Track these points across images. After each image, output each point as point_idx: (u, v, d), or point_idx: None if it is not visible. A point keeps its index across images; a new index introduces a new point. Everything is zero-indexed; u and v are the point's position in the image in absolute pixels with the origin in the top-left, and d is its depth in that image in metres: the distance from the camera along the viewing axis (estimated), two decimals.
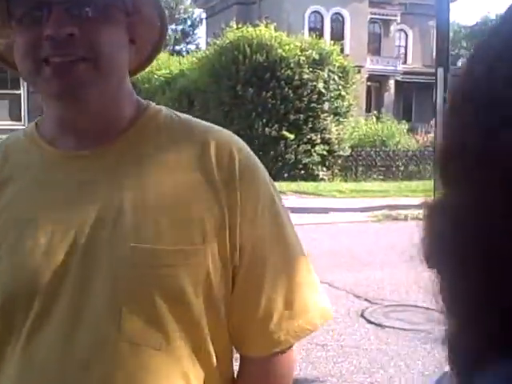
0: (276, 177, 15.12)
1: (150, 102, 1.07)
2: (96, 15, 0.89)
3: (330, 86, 15.68)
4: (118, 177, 0.94)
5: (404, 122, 20.31)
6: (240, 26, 16.48)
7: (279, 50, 15.20)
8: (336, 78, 15.83)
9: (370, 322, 4.90)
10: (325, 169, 15.96)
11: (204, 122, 1.05)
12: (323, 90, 15.45)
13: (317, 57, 15.55)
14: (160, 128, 1.00)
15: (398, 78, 36.95)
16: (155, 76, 21.67)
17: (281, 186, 14.26)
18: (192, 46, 47.81)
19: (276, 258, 0.97)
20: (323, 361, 4.16)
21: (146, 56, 1.09)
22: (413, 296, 5.46)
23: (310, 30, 32.35)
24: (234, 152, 0.98)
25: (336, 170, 16.26)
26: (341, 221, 10.75)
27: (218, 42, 16.59)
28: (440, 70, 12.10)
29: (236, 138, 1.05)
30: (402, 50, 40.02)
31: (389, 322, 4.90)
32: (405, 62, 38.87)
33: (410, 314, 5.08)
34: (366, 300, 5.53)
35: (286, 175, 15.35)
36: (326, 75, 15.55)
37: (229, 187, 0.94)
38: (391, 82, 36.82)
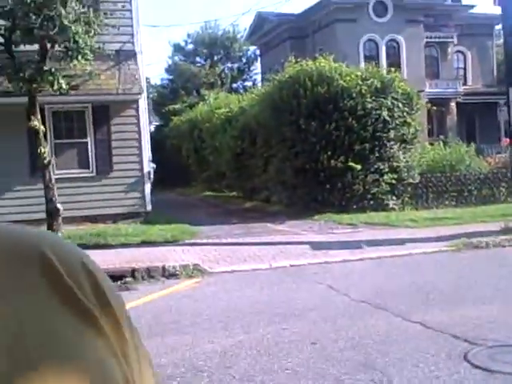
0: (345, 208, 14.82)
1: None
2: None
3: (395, 114, 15.35)
4: None
5: (469, 143, 19.69)
6: (298, 59, 16.43)
7: (340, 81, 15.02)
8: (400, 104, 15.50)
9: (476, 366, 4.52)
10: (394, 198, 15.54)
11: (28, 229, 0.67)
12: (388, 118, 15.14)
13: (379, 85, 15.28)
14: None
15: (460, 100, 36.21)
16: (215, 115, 21.88)
17: (351, 218, 13.96)
18: (248, 83, 48.24)
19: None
20: None
21: None
22: None
23: (366, 58, 32.21)
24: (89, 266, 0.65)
25: (406, 199, 15.80)
26: (418, 252, 10.34)
27: (277, 76, 16.56)
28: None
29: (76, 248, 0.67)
30: (461, 72, 39.27)
31: (497, 365, 4.51)
32: (465, 84, 38.12)
33: None
34: (465, 341, 5.14)
35: (354, 206, 15.02)
36: (389, 103, 15.25)
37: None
38: (453, 105, 36.11)
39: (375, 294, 7.18)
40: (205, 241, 11.65)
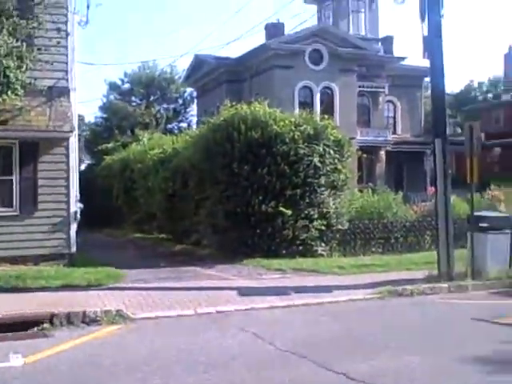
0: (275, 253, 14.81)
1: None
2: None
3: (326, 160, 15.62)
4: None
5: (397, 191, 20.22)
6: (233, 103, 16.55)
7: (274, 127, 15.20)
8: (331, 151, 15.80)
9: None
10: (323, 244, 15.67)
11: None
12: (319, 164, 15.38)
13: (312, 131, 15.56)
14: None
15: (389, 148, 37.29)
16: (148, 155, 21.68)
17: (280, 263, 13.95)
18: (184, 124, 48.34)
19: None
20: None
21: None
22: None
23: (300, 104, 32.88)
24: None
25: (334, 245, 15.96)
26: (344, 299, 10.39)
27: (211, 119, 16.60)
28: (438, 141, 12.11)
29: None
30: (391, 121, 40.60)
31: None
32: (394, 133, 39.38)
33: None
34: None
35: (284, 252, 15.05)
36: (321, 149, 15.51)
37: None
38: (382, 153, 37.14)
39: (301, 343, 7.12)
40: (130, 285, 11.33)
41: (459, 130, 42.08)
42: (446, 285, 11.43)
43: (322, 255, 15.39)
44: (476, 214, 12.70)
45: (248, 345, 7.17)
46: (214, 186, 15.62)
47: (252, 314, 9.04)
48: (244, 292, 10.61)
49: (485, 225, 12.25)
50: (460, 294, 11.05)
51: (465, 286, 11.45)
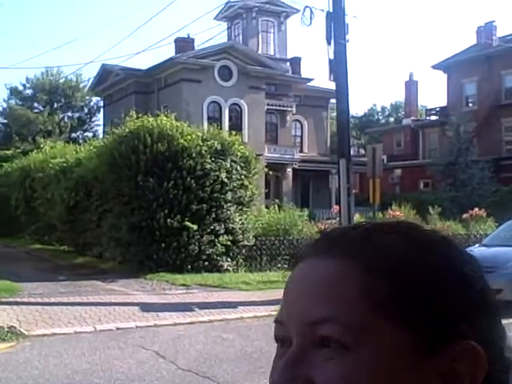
0: (180, 268, 14.56)
1: None
2: None
3: (233, 176, 15.58)
4: None
5: (303, 208, 20.52)
6: (140, 115, 16.22)
7: (181, 140, 15.01)
8: (238, 167, 15.78)
9: None
10: (229, 259, 15.58)
11: None
12: (226, 180, 15.31)
13: (219, 147, 15.49)
14: None
15: (296, 166, 37.89)
16: (50, 165, 20.85)
17: (185, 278, 13.73)
18: (89, 134, 47.09)
19: None
20: None
21: None
22: None
23: (209, 119, 32.80)
24: None
25: (240, 260, 15.92)
26: (249, 316, 10.33)
27: (117, 130, 16.19)
28: (342, 161, 12.37)
29: None
30: (298, 139, 41.34)
31: None
32: (301, 151, 40.07)
33: None
34: None
35: (189, 267, 14.84)
36: (228, 165, 15.46)
37: None
38: (289, 170, 37.67)
39: (203, 362, 6.96)
40: (26, 299, 10.75)
41: (363, 151, 43.45)
42: None
43: (228, 271, 15.29)
44: None
45: (149, 364, 6.93)
46: (117, 197, 15.21)
47: (154, 331, 8.79)
48: (147, 308, 10.32)
49: None
50: None
51: None
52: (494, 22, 41.66)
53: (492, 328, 0.69)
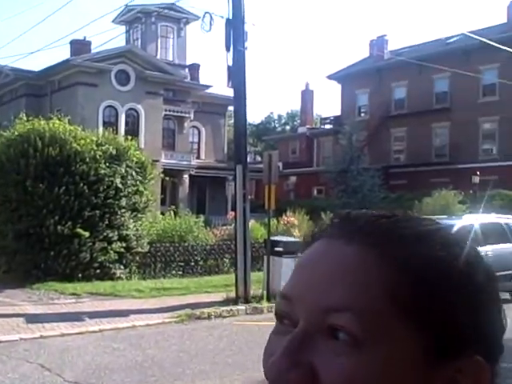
0: (70, 277, 14.08)
1: None
2: None
3: (128, 182, 15.29)
4: None
5: (199, 215, 20.48)
6: (31, 118, 15.59)
7: (74, 145, 14.55)
8: (134, 173, 15.50)
9: None
10: (122, 267, 15.25)
11: None
12: (120, 186, 14.99)
13: (114, 152, 15.15)
14: None
15: (192, 173, 37.77)
16: None
17: (75, 287, 13.30)
18: None
19: None
20: None
21: None
22: None
23: (105, 123, 32.02)
24: None
25: (134, 268, 15.62)
26: (142, 324, 10.15)
27: (5, 133, 15.47)
28: (239, 167, 12.43)
29: None
30: (196, 146, 41.25)
31: None
32: (198, 157, 40.01)
33: None
34: None
35: (80, 275, 14.38)
36: (123, 170, 15.15)
37: None
38: (186, 177, 37.49)
39: (92, 373, 6.75)
40: None
41: (259, 158, 44.02)
42: (243, 307, 11.68)
43: (120, 278, 14.96)
44: (272, 238, 13.21)
45: (33, 378, 6.62)
46: (4, 203, 14.51)
47: (40, 344, 8.42)
48: (33, 319, 9.88)
49: (280, 249, 12.76)
50: (256, 315, 11.35)
51: (260, 309, 11.79)
52: (385, 35, 43.59)
53: (495, 326, 0.67)
